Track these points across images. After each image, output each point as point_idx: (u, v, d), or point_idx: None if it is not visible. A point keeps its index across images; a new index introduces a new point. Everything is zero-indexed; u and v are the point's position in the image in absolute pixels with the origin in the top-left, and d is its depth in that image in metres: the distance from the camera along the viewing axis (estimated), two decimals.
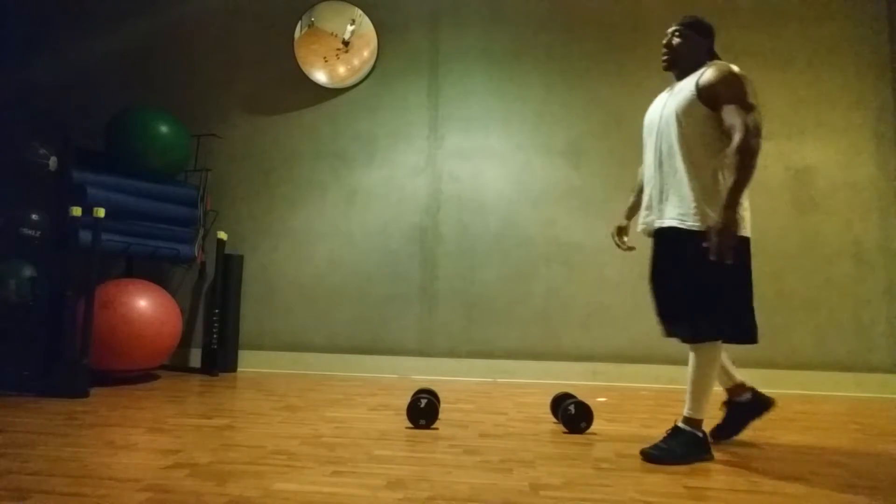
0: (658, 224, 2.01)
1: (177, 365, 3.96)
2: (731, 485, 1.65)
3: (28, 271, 3.17)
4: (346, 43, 4.09)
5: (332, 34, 4.16)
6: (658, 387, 3.59)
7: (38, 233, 3.19)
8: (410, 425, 2.32)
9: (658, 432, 2.31)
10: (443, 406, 2.64)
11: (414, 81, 4.15)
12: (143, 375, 3.49)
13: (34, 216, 3.20)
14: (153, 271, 4.04)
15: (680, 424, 1.95)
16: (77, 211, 2.98)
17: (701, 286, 1.88)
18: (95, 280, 2.96)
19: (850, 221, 3.69)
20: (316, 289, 4.05)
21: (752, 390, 2.16)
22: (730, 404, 2.19)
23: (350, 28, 4.11)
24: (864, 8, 3.82)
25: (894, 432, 2.44)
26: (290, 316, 4.05)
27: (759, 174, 3.65)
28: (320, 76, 4.18)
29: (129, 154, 3.49)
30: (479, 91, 4.09)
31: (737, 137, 1.79)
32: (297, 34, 4.19)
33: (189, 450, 1.90)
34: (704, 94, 1.89)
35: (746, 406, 2.17)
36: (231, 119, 4.27)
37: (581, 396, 2.40)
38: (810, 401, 3.24)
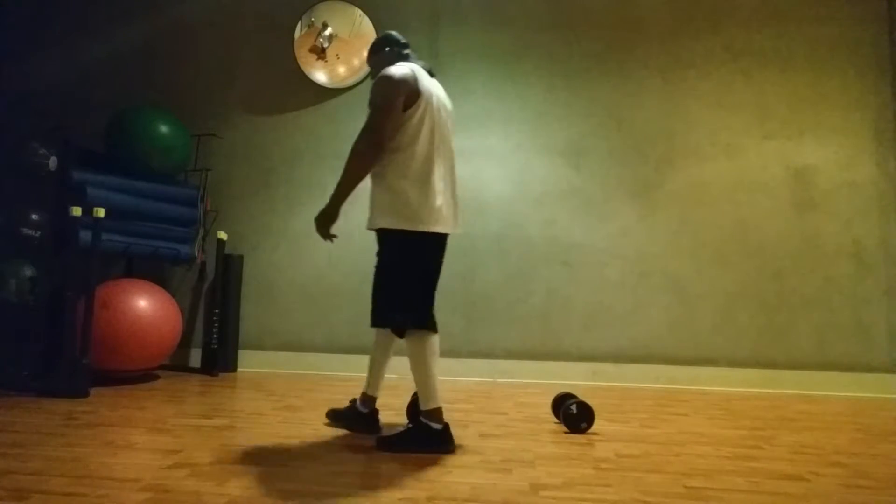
0: None
1: (177, 365, 3.97)
2: (731, 485, 1.65)
3: (28, 271, 3.17)
4: (323, 49, 4.05)
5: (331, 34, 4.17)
6: (658, 387, 3.59)
7: (38, 233, 3.19)
8: (411, 425, 2.31)
9: (658, 432, 2.32)
10: (443, 406, 2.64)
11: None
12: (143, 375, 3.49)
13: (34, 216, 3.20)
14: (153, 271, 4.05)
15: (421, 418, 2.00)
16: (77, 211, 2.98)
17: (378, 278, 2.05)
18: (95, 280, 2.96)
19: (850, 221, 3.69)
20: (316, 289, 4.05)
21: (373, 411, 2.27)
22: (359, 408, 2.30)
23: (326, 33, 4.07)
24: (864, 8, 3.82)
25: (894, 432, 2.44)
26: (290, 316, 4.05)
27: (758, 174, 3.76)
28: (320, 76, 4.18)
29: (129, 154, 3.49)
30: (479, 91, 4.09)
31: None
32: (297, 34, 4.19)
33: (189, 450, 1.90)
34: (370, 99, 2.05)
35: (361, 416, 2.26)
36: (231, 119, 4.27)
37: (581, 397, 2.40)
38: (810, 401, 3.24)
